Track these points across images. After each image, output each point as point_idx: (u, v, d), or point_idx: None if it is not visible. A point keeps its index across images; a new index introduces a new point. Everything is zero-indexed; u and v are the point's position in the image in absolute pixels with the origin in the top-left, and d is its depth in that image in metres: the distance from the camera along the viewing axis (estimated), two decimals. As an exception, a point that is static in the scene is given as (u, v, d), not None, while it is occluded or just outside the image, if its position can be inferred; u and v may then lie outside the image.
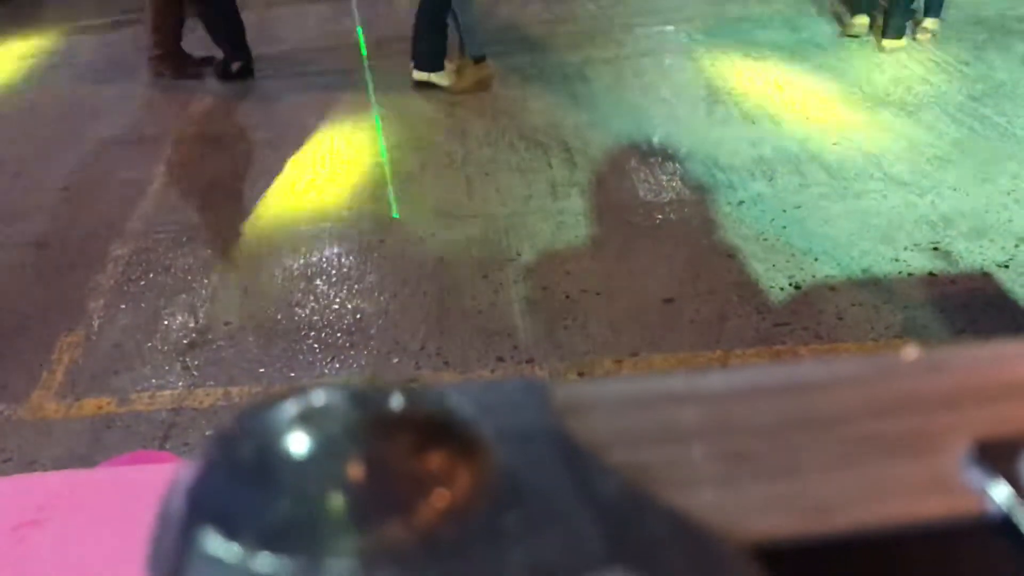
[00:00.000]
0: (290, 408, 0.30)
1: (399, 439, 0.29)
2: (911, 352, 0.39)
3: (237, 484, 0.28)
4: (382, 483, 0.28)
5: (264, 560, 0.26)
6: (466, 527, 0.27)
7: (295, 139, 4.32)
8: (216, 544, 0.26)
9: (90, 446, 2.42)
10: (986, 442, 0.34)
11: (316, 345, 2.77)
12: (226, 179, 3.94)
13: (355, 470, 0.28)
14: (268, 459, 0.28)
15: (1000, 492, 0.32)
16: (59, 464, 2.35)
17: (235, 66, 5.00)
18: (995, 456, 0.33)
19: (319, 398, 0.30)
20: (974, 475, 0.33)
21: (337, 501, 0.27)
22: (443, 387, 0.35)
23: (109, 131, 4.45)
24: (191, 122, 4.55)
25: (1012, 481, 0.32)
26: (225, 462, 0.29)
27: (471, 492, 0.28)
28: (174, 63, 5.06)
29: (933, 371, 0.38)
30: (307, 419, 0.29)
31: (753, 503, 0.32)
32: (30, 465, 2.37)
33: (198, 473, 0.29)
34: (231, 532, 0.26)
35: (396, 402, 0.31)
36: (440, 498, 0.28)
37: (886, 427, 0.35)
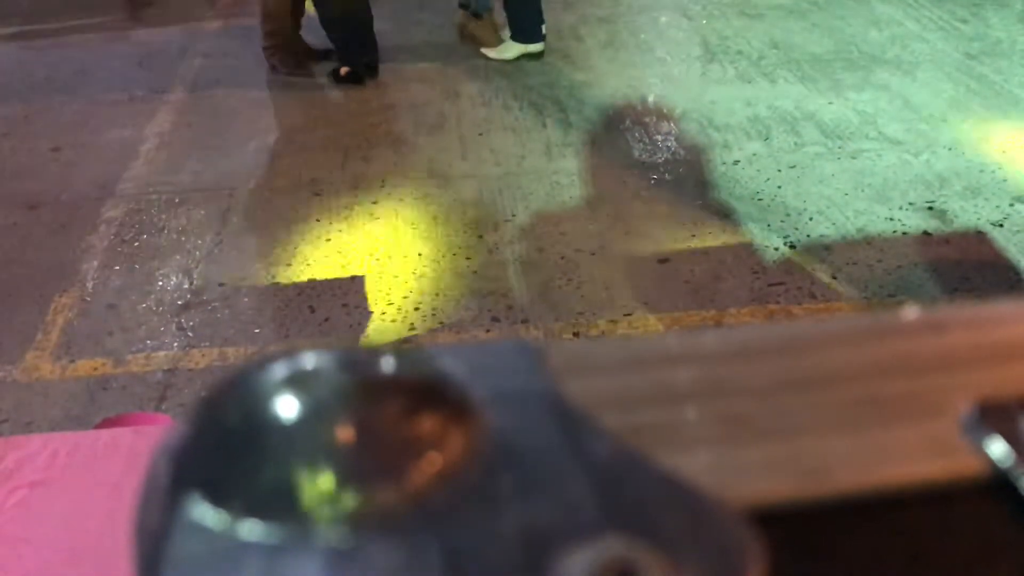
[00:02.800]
0: (279, 372, 0.29)
1: (390, 402, 0.29)
2: (909, 312, 0.39)
3: (224, 449, 0.28)
4: (372, 447, 0.27)
5: (251, 527, 0.25)
6: (458, 492, 0.27)
7: (288, 98, 4.28)
8: (202, 511, 0.26)
9: (86, 407, 2.42)
10: (986, 403, 0.33)
11: (311, 306, 2.76)
12: (219, 139, 3.91)
13: (345, 434, 0.27)
14: (256, 424, 0.28)
15: (1000, 453, 0.31)
16: (55, 426, 2.35)
17: (343, 70, 4.33)
18: (995, 417, 0.32)
19: (308, 361, 0.30)
20: (974, 436, 0.32)
21: (326, 466, 0.26)
22: (436, 348, 0.35)
23: (100, 90, 4.40)
24: (182, 81, 4.50)
25: (1012, 442, 0.31)
26: (212, 427, 0.28)
27: (463, 456, 0.28)
28: (286, 56, 4.42)
29: (932, 331, 0.38)
30: (296, 383, 0.29)
31: (749, 465, 0.32)
32: (26, 427, 2.37)
33: (184, 438, 0.28)
34: (217, 498, 0.26)
35: (386, 365, 0.30)
36: (431, 462, 0.27)
37: (884, 388, 0.35)
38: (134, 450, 0.75)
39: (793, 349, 0.37)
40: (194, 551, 0.25)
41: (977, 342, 0.37)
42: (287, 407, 0.28)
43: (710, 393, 0.35)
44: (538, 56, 4.49)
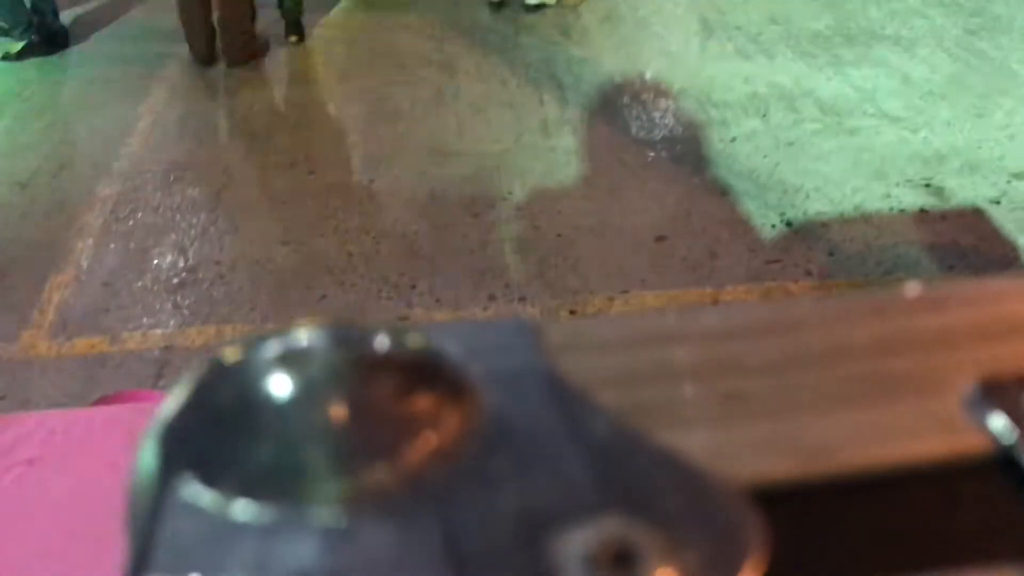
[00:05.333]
0: (271, 349, 0.29)
1: (384, 381, 0.29)
2: (910, 289, 0.38)
3: (215, 428, 0.27)
4: (367, 426, 0.27)
5: (244, 507, 0.25)
6: (454, 471, 0.26)
7: (283, 78, 4.26)
8: (194, 491, 0.26)
9: (83, 385, 2.42)
10: (988, 380, 0.33)
11: (307, 283, 2.76)
12: (213, 118, 3.89)
13: (339, 413, 0.27)
14: (248, 402, 0.27)
15: (1002, 430, 0.31)
16: (52, 403, 2.35)
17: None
18: (997, 394, 0.32)
19: (302, 338, 0.29)
20: (976, 413, 0.32)
21: (320, 445, 0.26)
22: (433, 326, 0.34)
23: (94, 69, 4.38)
24: (177, 60, 4.47)
25: (1014, 418, 0.31)
26: (203, 405, 0.28)
27: (459, 435, 0.27)
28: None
29: (933, 308, 0.37)
30: (289, 360, 0.28)
31: (749, 444, 0.32)
32: (23, 404, 2.37)
33: (175, 416, 0.28)
34: (209, 478, 0.26)
35: (381, 343, 0.30)
36: (427, 441, 0.27)
37: (885, 365, 0.34)
38: (131, 428, 0.75)
39: (792, 326, 0.37)
40: (186, 532, 0.25)
41: (979, 319, 0.37)
42: (281, 385, 0.27)
43: (709, 371, 0.35)
44: (497, 7, 4.81)
